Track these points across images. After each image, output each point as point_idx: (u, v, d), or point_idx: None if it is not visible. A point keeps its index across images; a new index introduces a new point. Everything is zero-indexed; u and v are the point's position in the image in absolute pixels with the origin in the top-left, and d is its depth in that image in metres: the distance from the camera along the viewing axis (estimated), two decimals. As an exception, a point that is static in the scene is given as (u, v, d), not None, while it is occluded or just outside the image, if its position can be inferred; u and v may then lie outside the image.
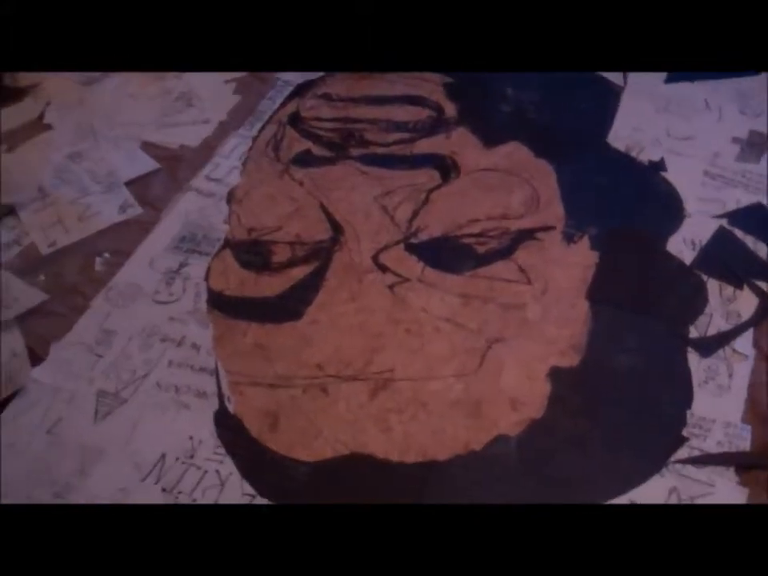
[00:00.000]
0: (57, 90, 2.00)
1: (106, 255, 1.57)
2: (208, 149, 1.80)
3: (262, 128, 1.85)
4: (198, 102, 1.94)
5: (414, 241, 1.55)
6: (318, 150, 1.77)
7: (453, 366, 1.35)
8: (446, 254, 1.53)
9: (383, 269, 1.50)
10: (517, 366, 1.35)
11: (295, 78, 1.98)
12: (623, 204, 1.63)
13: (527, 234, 1.55)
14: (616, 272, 1.49)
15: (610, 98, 1.88)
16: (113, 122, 1.89)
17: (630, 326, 1.41)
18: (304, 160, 1.75)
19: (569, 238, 1.55)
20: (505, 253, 1.52)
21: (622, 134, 1.78)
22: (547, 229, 1.56)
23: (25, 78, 2.06)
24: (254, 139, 1.82)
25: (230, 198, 1.68)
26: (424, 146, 1.77)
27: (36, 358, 1.41)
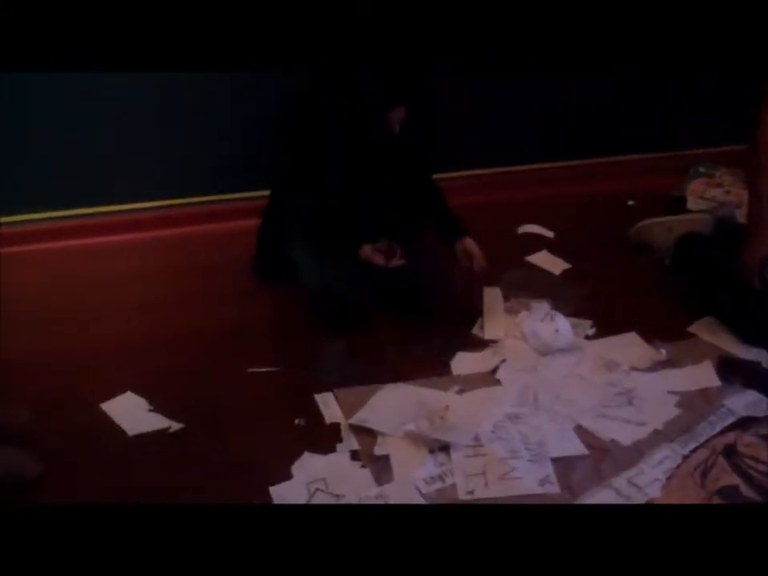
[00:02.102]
0: (514, 351, 2.20)
1: (515, 521, 1.65)
2: (636, 452, 1.84)
3: (695, 449, 1.85)
4: (638, 402, 2.00)
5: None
6: (746, 490, 1.73)
7: None
8: None
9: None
10: None
11: (741, 409, 1.98)
12: None
13: None
14: None
15: None
16: (556, 396, 2.01)
17: None
18: (730, 496, 1.71)
19: None
20: None
21: None
22: None
23: (490, 332, 2.29)
24: (684, 458, 1.82)
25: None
26: None
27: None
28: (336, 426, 1.91)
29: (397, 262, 2.26)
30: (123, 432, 1.88)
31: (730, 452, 1.84)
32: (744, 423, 1.94)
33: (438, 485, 1.75)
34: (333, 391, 2.02)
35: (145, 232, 2.78)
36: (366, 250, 2.26)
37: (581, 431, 1.91)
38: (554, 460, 1.81)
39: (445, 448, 1.84)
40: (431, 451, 1.83)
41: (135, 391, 2.01)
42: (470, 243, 2.34)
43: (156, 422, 1.91)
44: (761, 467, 1.80)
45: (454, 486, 1.74)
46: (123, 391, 2.01)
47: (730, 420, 1.95)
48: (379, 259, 2.25)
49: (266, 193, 2.53)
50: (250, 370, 2.10)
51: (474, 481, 1.75)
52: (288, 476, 1.76)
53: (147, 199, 2.84)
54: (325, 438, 1.87)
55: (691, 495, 1.72)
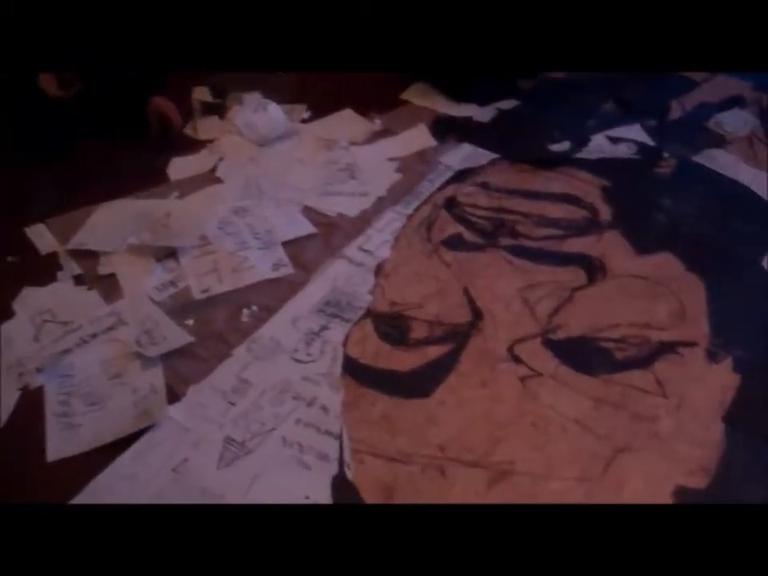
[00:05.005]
0: (232, 146, 2.13)
1: (254, 308, 1.64)
2: (364, 221, 1.87)
3: (418, 207, 1.90)
4: (360, 174, 2.01)
5: (551, 337, 1.55)
6: (468, 236, 1.81)
7: (575, 469, 1.33)
8: (583, 354, 1.52)
9: (517, 360, 1.50)
10: (641, 479, 1.32)
11: (457, 163, 2.04)
12: (772, 331, 1.59)
13: (668, 347, 1.53)
14: (756, 399, 1.45)
15: (770, 222, 1.85)
16: (279, 183, 1.99)
17: (763, 456, 1.36)
18: (454, 243, 1.78)
19: (711, 357, 1.51)
20: (643, 362, 1.50)
21: (779, 260, 1.75)
22: (690, 344, 1.54)
23: (204, 132, 2.20)
24: (409, 217, 1.87)
25: (378, 270, 1.72)
26: (574, 245, 1.78)
27: (173, 397, 1.47)
28: (53, 256, 1.78)
29: (72, 91, 2.08)
30: None
31: (450, 204, 1.90)
32: (461, 175, 2.01)
33: (171, 290, 1.70)
34: (44, 222, 1.88)
35: None
36: (41, 79, 2.05)
37: (308, 212, 1.90)
38: (285, 244, 1.80)
39: (172, 254, 1.77)
40: (158, 260, 1.76)
41: None
42: (160, 102, 2.15)
43: None
44: (479, 212, 1.87)
45: (187, 287, 1.69)
46: None
47: (448, 175, 2.01)
48: (52, 89, 2.06)
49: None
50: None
51: (207, 278, 1.71)
52: (10, 314, 1.64)
53: None
54: (44, 270, 1.74)
55: (418, 249, 1.77)
